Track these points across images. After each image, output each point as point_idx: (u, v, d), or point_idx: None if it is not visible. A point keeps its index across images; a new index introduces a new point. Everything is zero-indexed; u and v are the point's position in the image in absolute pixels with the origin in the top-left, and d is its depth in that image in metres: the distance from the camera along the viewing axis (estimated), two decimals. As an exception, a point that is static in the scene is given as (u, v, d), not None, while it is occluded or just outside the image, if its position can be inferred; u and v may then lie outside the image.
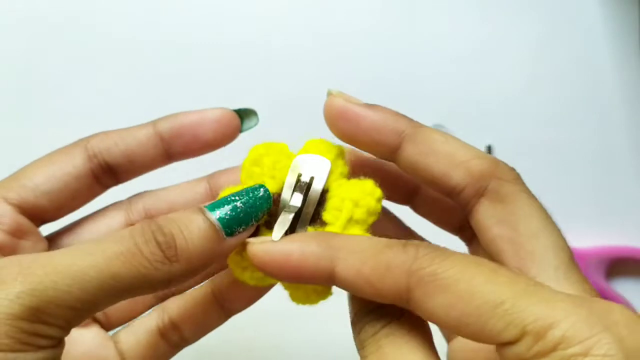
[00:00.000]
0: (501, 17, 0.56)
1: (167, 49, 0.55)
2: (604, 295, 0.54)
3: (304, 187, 0.30)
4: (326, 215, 0.29)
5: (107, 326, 0.35)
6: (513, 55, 0.56)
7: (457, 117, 0.55)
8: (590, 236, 0.55)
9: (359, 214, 0.29)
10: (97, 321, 0.34)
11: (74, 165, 0.32)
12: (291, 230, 0.29)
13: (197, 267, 0.27)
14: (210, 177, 0.35)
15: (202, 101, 0.55)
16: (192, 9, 0.56)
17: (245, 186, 0.29)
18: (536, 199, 0.30)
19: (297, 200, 0.30)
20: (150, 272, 0.26)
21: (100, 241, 0.26)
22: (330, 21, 0.56)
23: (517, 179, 0.30)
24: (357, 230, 0.29)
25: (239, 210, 0.28)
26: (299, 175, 0.30)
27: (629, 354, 0.21)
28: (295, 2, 0.56)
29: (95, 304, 0.25)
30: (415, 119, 0.54)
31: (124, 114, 0.55)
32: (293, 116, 0.55)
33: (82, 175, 0.32)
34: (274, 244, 0.27)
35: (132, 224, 0.33)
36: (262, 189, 0.29)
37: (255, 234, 0.29)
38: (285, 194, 0.30)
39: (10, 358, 0.23)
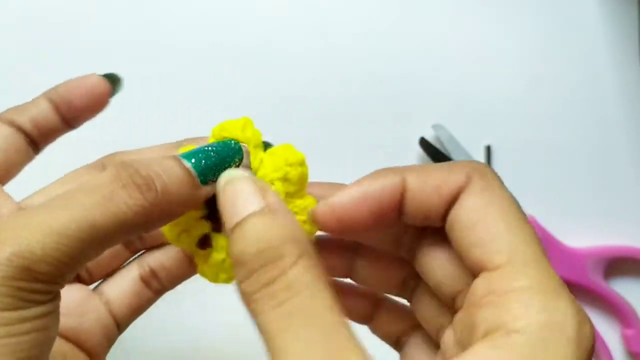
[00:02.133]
0: (501, 17, 0.56)
1: (166, 49, 0.55)
2: (603, 295, 0.54)
3: None
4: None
5: (88, 281, 0.36)
6: (513, 55, 0.56)
7: (457, 117, 0.55)
8: (590, 236, 0.55)
9: (291, 187, 0.29)
10: (79, 279, 0.35)
11: (4, 135, 0.34)
12: None
13: (174, 213, 0.27)
14: (179, 144, 0.34)
15: (203, 102, 0.55)
16: (193, 11, 0.56)
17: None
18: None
19: None
20: (128, 217, 0.25)
21: (76, 191, 0.26)
22: (329, 21, 0.56)
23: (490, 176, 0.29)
24: (297, 199, 0.29)
25: (212, 158, 0.28)
26: None
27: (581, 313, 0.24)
28: (295, 3, 0.56)
29: (82, 255, 0.25)
30: (415, 119, 0.55)
31: (126, 116, 0.55)
32: (293, 116, 0.55)
33: (17, 142, 0.35)
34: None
35: None
36: (233, 142, 0.29)
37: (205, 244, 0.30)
38: None
39: (14, 316, 0.24)
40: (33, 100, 0.36)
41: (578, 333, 0.23)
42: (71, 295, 0.34)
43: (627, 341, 0.54)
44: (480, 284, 0.25)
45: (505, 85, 0.56)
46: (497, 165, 0.55)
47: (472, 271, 0.26)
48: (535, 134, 0.55)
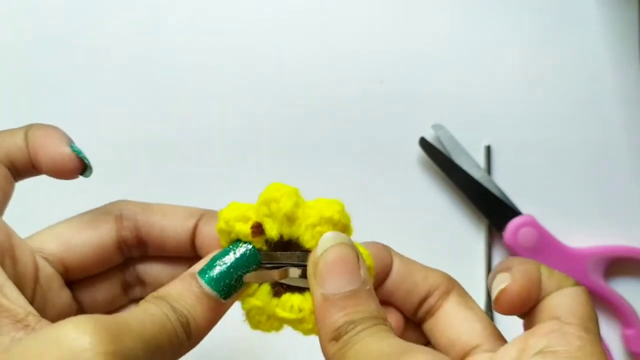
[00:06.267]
0: (501, 17, 0.56)
1: (167, 53, 0.55)
2: (603, 295, 0.54)
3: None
4: (309, 243, 0.32)
5: (65, 279, 0.35)
6: (513, 55, 0.56)
7: (457, 117, 0.55)
8: (590, 236, 0.55)
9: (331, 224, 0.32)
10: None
11: None
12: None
13: (205, 333, 0.31)
14: (202, 215, 0.35)
15: (202, 104, 0.55)
16: (196, 17, 0.56)
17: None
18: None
19: (294, 272, 0.32)
20: (176, 347, 0.29)
21: (154, 314, 0.29)
22: (329, 22, 0.56)
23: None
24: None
25: (231, 274, 0.31)
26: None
27: None
28: (295, 4, 0.56)
29: None
30: (415, 119, 0.55)
31: (126, 115, 0.55)
32: (294, 116, 0.55)
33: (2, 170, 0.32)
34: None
35: (121, 239, 0.34)
36: (248, 249, 0.32)
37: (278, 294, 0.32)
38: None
39: None
40: (12, 132, 0.33)
41: None
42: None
43: (627, 341, 0.54)
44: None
45: (505, 85, 0.56)
46: (497, 165, 0.55)
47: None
48: (535, 134, 0.55)
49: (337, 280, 0.29)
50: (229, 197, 0.53)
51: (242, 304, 0.32)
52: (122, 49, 0.55)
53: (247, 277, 0.31)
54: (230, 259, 0.31)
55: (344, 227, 0.32)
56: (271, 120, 0.55)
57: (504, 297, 0.31)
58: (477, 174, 0.54)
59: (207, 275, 0.31)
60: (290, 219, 0.31)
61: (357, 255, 0.30)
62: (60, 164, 0.32)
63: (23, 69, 0.55)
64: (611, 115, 0.56)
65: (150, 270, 0.36)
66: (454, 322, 0.33)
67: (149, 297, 0.30)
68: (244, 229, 0.32)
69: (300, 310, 0.31)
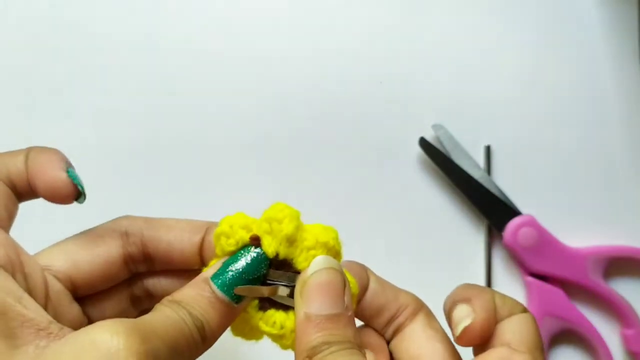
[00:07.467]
0: (501, 17, 0.56)
1: (167, 51, 0.55)
2: (603, 295, 0.54)
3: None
4: (301, 265, 0.33)
5: (73, 293, 0.35)
6: (513, 56, 0.56)
7: (457, 117, 0.55)
8: (590, 236, 0.55)
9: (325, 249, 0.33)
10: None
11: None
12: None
13: (218, 336, 0.32)
14: (208, 229, 0.36)
15: (202, 106, 0.55)
16: (194, 18, 0.56)
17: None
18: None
19: (283, 290, 0.33)
20: (192, 350, 0.30)
21: (172, 317, 0.30)
22: (329, 22, 0.56)
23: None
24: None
25: (243, 279, 0.32)
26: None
27: None
28: (295, 4, 0.56)
29: None
30: (415, 119, 0.55)
31: (125, 115, 0.55)
32: (293, 116, 0.55)
33: (5, 189, 0.33)
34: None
35: (128, 255, 0.35)
36: (258, 253, 0.32)
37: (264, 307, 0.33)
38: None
39: None
40: (13, 154, 0.34)
41: None
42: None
43: (627, 341, 0.54)
44: None
45: (505, 86, 0.56)
46: (497, 165, 0.55)
47: None
48: (535, 134, 0.55)
49: (321, 302, 0.31)
50: (228, 198, 0.54)
51: None
52: (119, 53, 0.55)
53: (237, 289, 0.32)
54: (241, 264, 0.32)
55: (336, 253, 0.33)
56: (270, 120, 0.55)
57: (468, 334, 0.32)
58: (477, 174, 0.54)
59: (219, 281, 0.32)
60: (290, 241, 0.32)
61: (345, 281, 0.32)
62: (54, 189, 0.33)
63: (18, 72, 0.55)
64: (611, 115, 0.56)
65: (159, 283, 0.37)
66: (417, 341, 0.34)
67: (164, 301, 0.31)
68: (246, 237, 0.33)
69: (282, 327, 0.33)
